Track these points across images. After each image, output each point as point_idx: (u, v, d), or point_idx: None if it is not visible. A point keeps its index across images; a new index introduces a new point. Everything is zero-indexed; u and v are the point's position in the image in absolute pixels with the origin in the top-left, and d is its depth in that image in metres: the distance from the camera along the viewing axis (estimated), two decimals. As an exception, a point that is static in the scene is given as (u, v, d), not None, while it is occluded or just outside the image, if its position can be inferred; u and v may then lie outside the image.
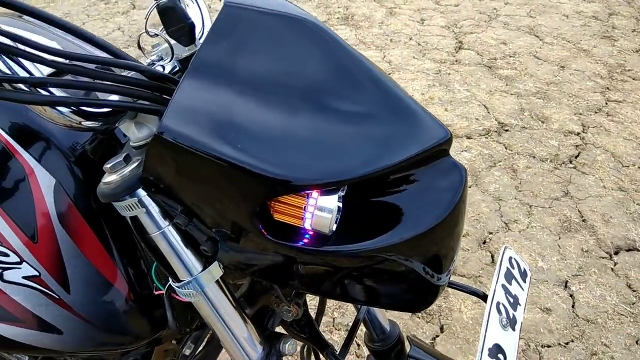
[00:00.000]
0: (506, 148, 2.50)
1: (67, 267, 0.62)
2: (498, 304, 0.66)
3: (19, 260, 0.61)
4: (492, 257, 1.93)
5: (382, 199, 0.52)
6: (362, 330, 0.88)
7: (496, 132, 2.61)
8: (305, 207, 0.49)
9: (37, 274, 0.61)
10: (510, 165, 2.39)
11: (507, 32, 3.55)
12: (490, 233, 2.04)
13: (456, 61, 3.23)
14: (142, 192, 0.53)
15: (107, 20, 3.86)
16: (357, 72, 0.52)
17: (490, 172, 2.35)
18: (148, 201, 0.53)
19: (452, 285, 0.82)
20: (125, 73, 0.51)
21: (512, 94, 2.91)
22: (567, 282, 1.81)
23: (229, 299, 0.60)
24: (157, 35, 0.56)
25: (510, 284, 0.70)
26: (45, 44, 0.45)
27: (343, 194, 0.51)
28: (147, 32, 0.55)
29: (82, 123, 0.50)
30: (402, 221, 0.51)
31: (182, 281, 0.57)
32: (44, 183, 0.61)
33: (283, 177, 0.46)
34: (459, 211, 0.53)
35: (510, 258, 0.74)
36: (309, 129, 0.49)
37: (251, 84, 0.50)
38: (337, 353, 0.78)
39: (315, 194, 0.49)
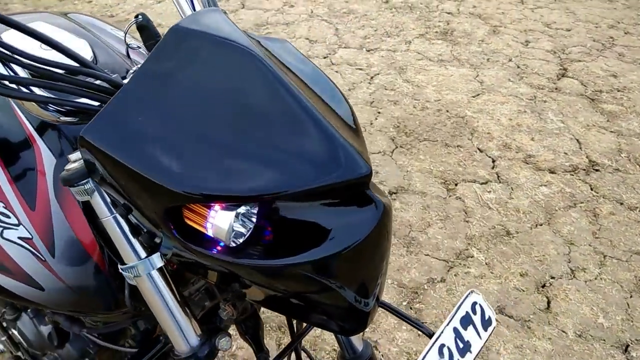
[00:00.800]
0: (591, 189, 2.30)
1: (55, 235, 0.70)
2: (442, 345, 0.64)
3: (17, 222, 0.71)
4: (549, 302, 1.79)
5: (303, 220, 0.54)
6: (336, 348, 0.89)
7: (584, 170, 2.41)
8: (207, 216, 0.53)
9: (30, 236, 0.71)
10: (592, 208, 2.19)
11: (620, 64, 3.26)
12: (552, 277, 1.89)
13: (555, 89, 3.03)
14: (92, 181, 0.59)
15: (217, 13, 4.11)
16: (284, 102, 0.54)
17: (567, 212, 2.18)
18: (98, 189, 0.58)
19: (400, 314, 0.83)
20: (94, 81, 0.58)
21: (611, 132, 2.67)
22: (627, 346, 1.63)
23: (170, 288, 0.65)
24: (138, 47, 0.63)
25: (465, 329, 0.67)
26: (28, 51, 0.52)
27: (253, 210, 0.52)
28: (128, 45, 0.62)
29: (60, 118, 0.57)
30: (314, 243, 0.53)
31: (125, 264, 0.62)
32: (47, 162, 0.70)
33: (179, 190, 0.50)
34: (374, 243, 0.55)
35: (474, 303, 0.71)
36: (222, 148, 0.52)
37: (179, 102, 0.54)
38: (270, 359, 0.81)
39: (217, 206, 0.53)
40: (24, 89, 0.54)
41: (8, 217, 0.71)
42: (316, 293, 0.57)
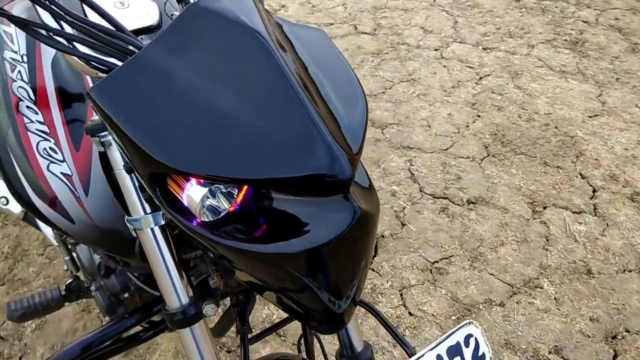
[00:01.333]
0: None
1: (92, 177, 0.79)
2: None
3: (62, 159, 0.80)
4: (615, 356, 1.62)
5: (280, 211, 0.55)
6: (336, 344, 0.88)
7: (701, 221, 2.12)
8: (183, 187, 0.56)
9: (70, 173, 0.80)
10: (698, 266, 1.93)
11: None
12: (627, 331, 1.70)
13: (691, 124, 2.66)
14: (110, 135, 0.64)
15: (340, -10, 4.11)
16: (279, 91, 0.54)
17: (666, 263, 1.93)
18: (114, 142, 0.62)
19: (387, 327, 0.82)
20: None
21: None
22: None
23: (169, 247, 0.68)
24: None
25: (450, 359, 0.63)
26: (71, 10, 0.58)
27: (234, 191, 0.55)
28: (170, 16, 0.64)
29: (98, 74, 0.62)
30: (285, 236, 0.54)
31: (131, 216, 0.67)
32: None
33: (158, 158, 0.52)
34: (346, 246, 0.55)
35: (469, 335, 0.65)
36: (208, 127, 0.53)
37: (179, 78, 0.55)
38: (249, 336, 0.83)
39: (193, 180, 0.55)
40: (66, 43, 0.59)
41: (56, 152, 0.80)
42: (288, 285, 0.59)
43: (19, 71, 0.83)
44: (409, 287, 1.86)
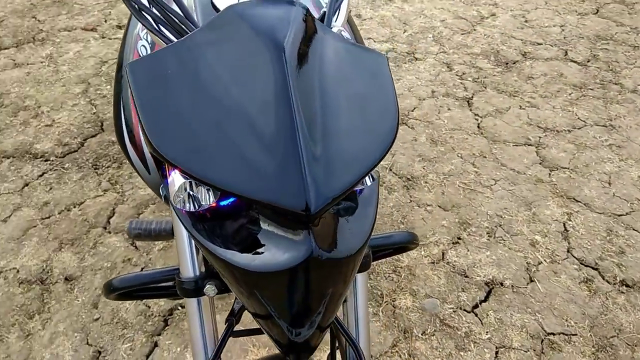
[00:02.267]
0: None
1: None
2: None
3: None
4: None
5: (248, 226, 0.55)
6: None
7: None
8: (170, 172, 0.58)
9: None
10: None
11: None
12: None
13: None
14: None
15: None
16: (278, 109, 0.51)
17: None
18: None
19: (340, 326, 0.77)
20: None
21: None
22: None
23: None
24: None
25: None
26: None
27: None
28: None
29: None
30: (244, 250, 0.54)
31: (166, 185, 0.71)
32: None
33: (152, 142, 0.53)
34: (300, 279, 0.53)
35: None
36: (206, 126, 0.52)
37: (197, 74, 0.56)
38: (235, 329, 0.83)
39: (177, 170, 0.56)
40: (152, 22, 0.65)
41: None
42: (248, 299, 0.57)
43: (145, 32, 0.93)
44: (508, 348, 1.66)
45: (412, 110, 2.65)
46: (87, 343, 1.68)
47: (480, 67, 2.97)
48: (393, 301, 1.80)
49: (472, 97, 2.75)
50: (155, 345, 1.67)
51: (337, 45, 0.62)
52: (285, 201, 0.48)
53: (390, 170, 2.31)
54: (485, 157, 2.38)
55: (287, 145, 0.50)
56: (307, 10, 0.62)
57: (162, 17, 0.64)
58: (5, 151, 2.41)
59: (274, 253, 0.52)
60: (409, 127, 2.54)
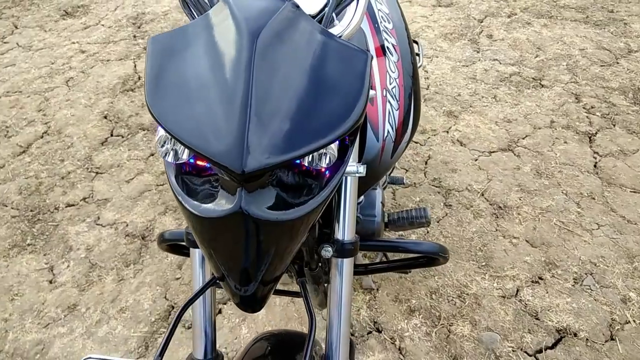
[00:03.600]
0: None
1: None
2: None
3: None
4: None
5: (204, 177, 0.66)
6: None
7: None
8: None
9: None
10: None
11: None
12: None
13: None
14: None
15: None
16: (239, 82, 0.60)
17: None
18: None
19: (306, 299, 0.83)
20: None
21: None
22: None
23: None
24: None
25: None
26: None
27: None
28: None
29: None
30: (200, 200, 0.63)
31: None
32: None
33: (147, 103, 0.62)
34: (229, 232, 0.61)
35: None
36: (186, 93, 0.62)
37: (191, 51, 0.65)
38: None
39: None
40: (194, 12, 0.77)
41: None
42: (203, 249, 0.66)
43: None
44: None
45: (523, 138, 2.51)
46: (165, 297, 1.89)
47: (614, 102, 2.71)
48: (450, 325, 1.75)
49: (596, 133, 2.52)
50: (219, 312, 1.83)
51: (319, 39, 0.67)
52: (224, 159, 0.56)
53: (483, 195, 2.23)
54: (594, 198, 2.18)
55: (240, 114, 0.57)
56: (297, 6, 0.69)
57: None
58: (142, 124, 2.79)
59: (216, 204, 0.60)
60: (514, 154, 2.42)
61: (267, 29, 0.63)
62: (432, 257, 1.07)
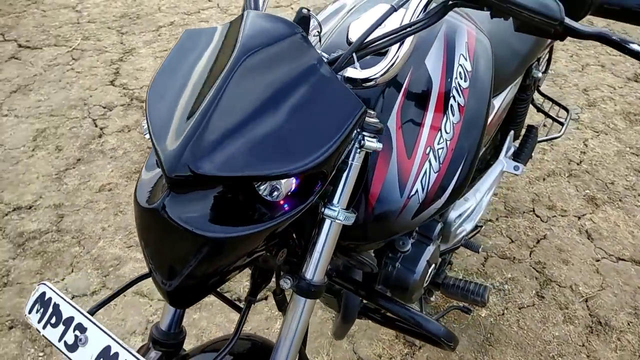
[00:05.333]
0: None
1: None
2: None
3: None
4: None
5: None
6: None
7: None
8: None
9: None
10: None
11: None
12: None
13: None
14: None
15: None
16: (213, 88, 0.62)
17: None
18: None
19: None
20: None
21: None
22: None
23: None
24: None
25: None
26: None
27: None
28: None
29: None
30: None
31: None
32: None
33: (148, 88, 0.66)
34: (155, 229, 0.62)
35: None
36: (174, 89, 0.65)
37: (199, 51, 0.68)
38: None
39: None
40: None
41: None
42: (140, 238, 0.67)
43: None
44: None
45: (667, 258, 2.12)
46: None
47: None
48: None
49: None
50: (265, 298, 1.88)
51: (314, 73, 0.65)
52: (163, 155, 0.58)
53: (586, 301, 1.94)
54: None
55: (195, 121, 0.59)
56: (304, 38, 0.68)
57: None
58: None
59: (151, 194, 0.62)
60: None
61: (260, 50, 0.64)
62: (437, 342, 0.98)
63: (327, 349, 1.75)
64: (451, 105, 0.93)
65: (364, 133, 0.73)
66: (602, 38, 0.67)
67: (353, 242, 0.94)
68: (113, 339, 0.69)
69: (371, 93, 0.89)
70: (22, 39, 3.27)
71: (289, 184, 0.64)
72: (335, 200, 0.74)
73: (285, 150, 0.61)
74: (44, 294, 0.73)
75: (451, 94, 0.94)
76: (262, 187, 0.64)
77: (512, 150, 1.81)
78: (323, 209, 0.75)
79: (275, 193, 0.63)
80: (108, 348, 0.68)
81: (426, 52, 0.94)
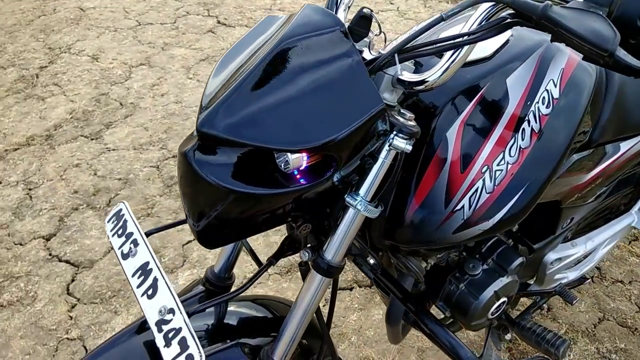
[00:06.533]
0: None
1: None
2: None
3: None
4: None
5: None
6: None
7: None
8: None
9: None
10: None
11: None
12: None
13: None
14: None
15: None
16: (249, 69, 0.72)
17: None
18: None
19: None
20: None
21: None
22: None
23: None
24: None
25: None
26: None
27: None
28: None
29: None
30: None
31: None
32: None
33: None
34: (187, 179, 0.72)
35: None
36: (228, 66, 0.76)
37: (259, 37, 0.79)
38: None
39: None
40: None
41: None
42: (178, 183, 0.77)
43: None
44: None
45: None
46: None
47: None
48: None
49: None
50: (351, 289, 1.94)
51: (344, 66, 0.70)
52: (200, 112, 0.68)
53: None
54: None
55: (231, 89, 0.68)
56: (345, 33, 0.73)
57: None
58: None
59: (188, 142, 0.72)
60: None
61: (301, 38, 0.71)
62: None
63: (394, 355, 1.75)
64: (523, 129, 0.89)
65: (397, 133, 0.75)
66: None
67: (390, 241, 0.96)
68: (153, 258, 0.83)
69: (436, 100, 0.90)
70: (222, 16, 3.77)
71: (299, 160, 0.70)
72: (360, 190, 0.78)
73: (295, 128, 0.68)
74: (120, 210, 0.91)
75: (527, 118, 0.89)
76: (279, 158, 0.72)
77: (650, 205, 1.59)
78: (346, 196, 0.79)
79: (287, 165, 0.70)
80: (147, 264, 0.82)
81: (511, 70, 0.91)
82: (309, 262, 0.86)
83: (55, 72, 3.12)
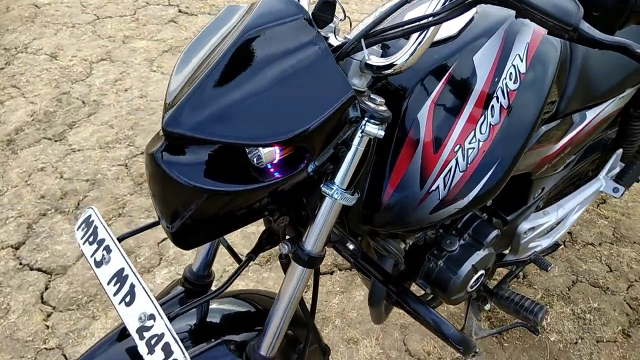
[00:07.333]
0: None
1: None
2: None
3: None
4: None
5: None
6: None
7: None
8: None
9: None
10: None
11: None
12: None
13: None
14: None
15: None
16: (213, 62, 0.70)
17: None
18: None
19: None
20: None
21: None
22: None
23: None
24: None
25: None
26: None
27: None
28: None
29: None
30: None
31: None
32: None
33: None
34: (155, 178, 0.71)
35: None
36: (191, 57, 0.75)
37: (222, 27, 0.76)
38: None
39: None
40: None
41: None
42: (148, 186, 0.76)
43: None
44: None
45: None
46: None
47: None
48: None
49: None
50: (332, 273, 1.95)
51: (310, 54, 0.68)
52: (166, 111, 0.66)
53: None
54: None
55: (198, 83, 0.66)
56: (309, 21, 0.72)
57: None
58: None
59: (154, 143, 0.71)
60: None
61: (264, 28, 0.69)
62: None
63: (377, 334, 1.77)
64: (492, 106, 0.89)
65: (368, 119, 0.75)
66: (623, 49, 0.60)
67: (369, 226, 0.96)
68: (127, 263, 0.81)
69: (405, 82, 0.89)
70: (183, 5, 3.68)
71: (271, 154, 0.69)
72: (335, 179, 0.78)
73: (265, 122, 0.66)
74: (89, 216, 0.88)
75: (495, 94, 0.90)
76: (251, 153, 0.70)
77: (616, 170, 1.63)
78: (322, 185, 0.78)
79: (259, 160, 0.69)
80: (122, 270, 0.80)
81: (477, 48, 0.91)
82: (289, 254, 0.85)
83: (12, 73, 2.99)
